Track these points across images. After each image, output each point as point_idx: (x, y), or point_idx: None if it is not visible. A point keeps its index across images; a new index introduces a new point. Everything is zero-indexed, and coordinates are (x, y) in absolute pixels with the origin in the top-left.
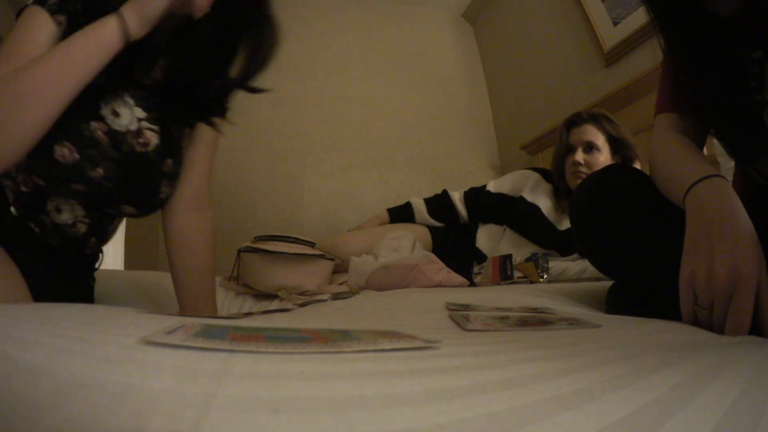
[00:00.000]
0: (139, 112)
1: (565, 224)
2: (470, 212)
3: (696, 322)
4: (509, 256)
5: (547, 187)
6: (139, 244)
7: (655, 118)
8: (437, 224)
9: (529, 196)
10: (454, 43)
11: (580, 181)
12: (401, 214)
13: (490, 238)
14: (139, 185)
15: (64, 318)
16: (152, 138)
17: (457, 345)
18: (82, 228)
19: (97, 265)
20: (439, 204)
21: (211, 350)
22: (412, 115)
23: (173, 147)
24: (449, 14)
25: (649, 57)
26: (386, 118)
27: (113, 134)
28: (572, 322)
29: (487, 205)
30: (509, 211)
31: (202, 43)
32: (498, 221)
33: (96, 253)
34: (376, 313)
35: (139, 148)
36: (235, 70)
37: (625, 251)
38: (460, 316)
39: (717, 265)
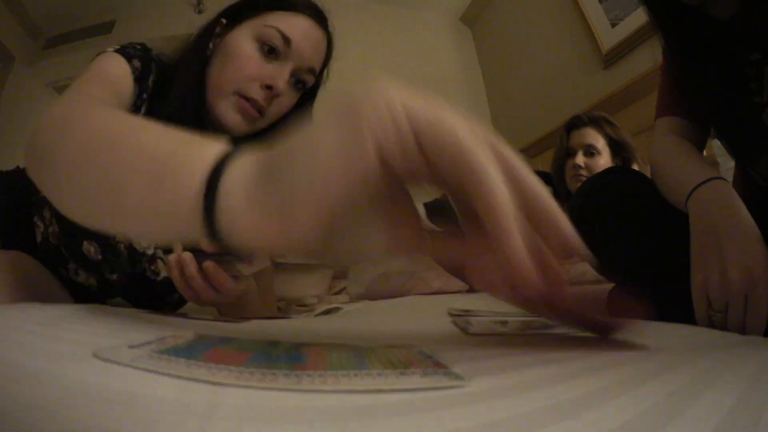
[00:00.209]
0: None
1: None
2: None
3: (711, 325)
4: None
5: (546, 190)
6: None
7: (656, 121)
8: (437, 229)
9: None
10: (452, 46)
11: (580, 184)
12: None
13: None
14: (144, 301)
15: (66, 321)
16: (163, 270)
17: (456, 350)
18: (94, 289)
19: None
20: (439, 208)
21: (162, 374)
22: None
23: None
24: (447, 17)
25: (648, 58)
26: None
27: (132, 251)
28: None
29: None
30: None
31: None
32: None
33: None
34: (379, 318)
35: (149, 274)
36: None
37: (625, 254)
38: (463, 321)
39: (729, 267)
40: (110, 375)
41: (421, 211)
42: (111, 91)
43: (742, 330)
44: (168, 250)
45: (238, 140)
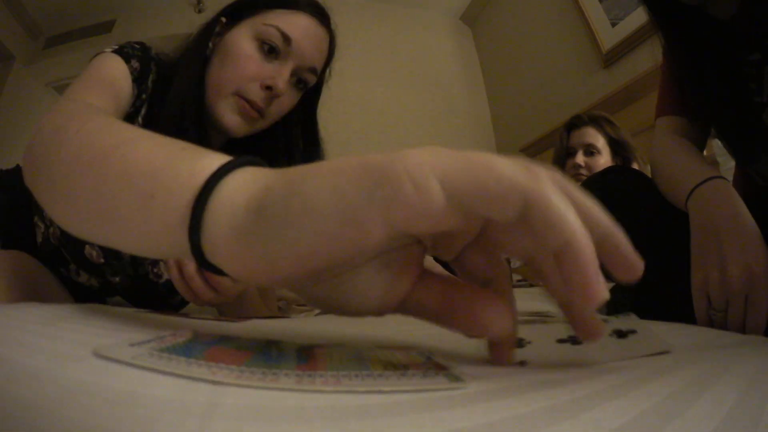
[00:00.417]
0: None
1: None
2: None
3: (711, 324)
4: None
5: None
6: None
7: (656, 120)
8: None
9: None
10: (452, 45)
11: (580, 183)
12: None
13: None
14: (147, 303)
15: (66, 320)
16: (165, 273)
17: (456, 352)
18: (95, 289)
19: None
20: None
21: (162, 373)
22: (411, 118)
23: None
24: (448, 17)
25: (648, 58)
26: (385, 121)
27: (134, 255)
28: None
29: None
30: None
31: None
32: None
33: None
34: (379, 320)
35: (152, 277)
36: None
37: None
38: None
39: (729, 266)
40: (110, 374)
41: None
42: (108, 96)
43: (742, 329)
44: None
45: (239, 141)
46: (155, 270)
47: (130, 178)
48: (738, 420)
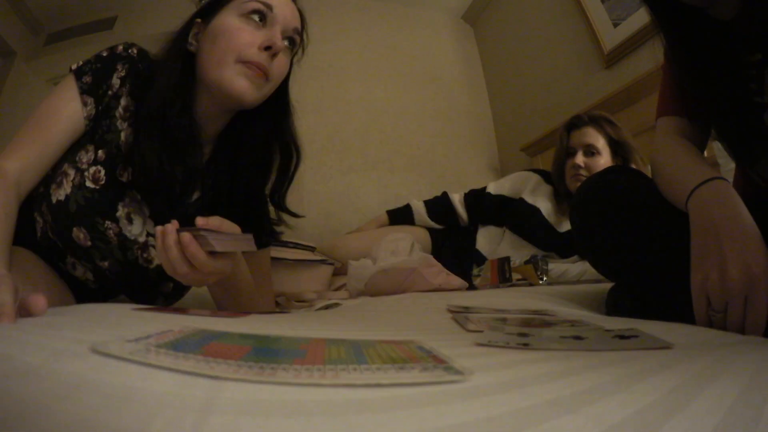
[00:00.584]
0: (151, 227)
1: (565, 226)
2: (470, 214)
3: (710, 325)
4: (507, 259)
5: (547, 188)
6: None
7: (657, 121)
8: (437, 226)
9: (529, 198)
10: (454, 44)
11: (580, 183)
12: (401, 216)
13: (490, 240)
14: (140, 288)
15: (65, 318)
16: (156, 257)
17: (456, 346)
18: (92, 285)
19: None
20: (439, 206)
21: (160, 368)
22: (411, 117)
23: None
24: (449, 16)
25: (650, 58)
26: (386, 120)
27: (123, 238)
28: (574, 324)
29: (487, 207)
30: (509, 213)
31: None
32: (498, 223)
33: None
34: (379, 315)
35: (141, 262)
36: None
37: (625, 253)
38: (462, 317)
39: (729, 267)
40: (108, 370)
41: (421, 209)
42: (41, 132)
43: (742, 330)
44: None
45: (228, 133)
46: (145, 255)
47: None
48: (740, 416)
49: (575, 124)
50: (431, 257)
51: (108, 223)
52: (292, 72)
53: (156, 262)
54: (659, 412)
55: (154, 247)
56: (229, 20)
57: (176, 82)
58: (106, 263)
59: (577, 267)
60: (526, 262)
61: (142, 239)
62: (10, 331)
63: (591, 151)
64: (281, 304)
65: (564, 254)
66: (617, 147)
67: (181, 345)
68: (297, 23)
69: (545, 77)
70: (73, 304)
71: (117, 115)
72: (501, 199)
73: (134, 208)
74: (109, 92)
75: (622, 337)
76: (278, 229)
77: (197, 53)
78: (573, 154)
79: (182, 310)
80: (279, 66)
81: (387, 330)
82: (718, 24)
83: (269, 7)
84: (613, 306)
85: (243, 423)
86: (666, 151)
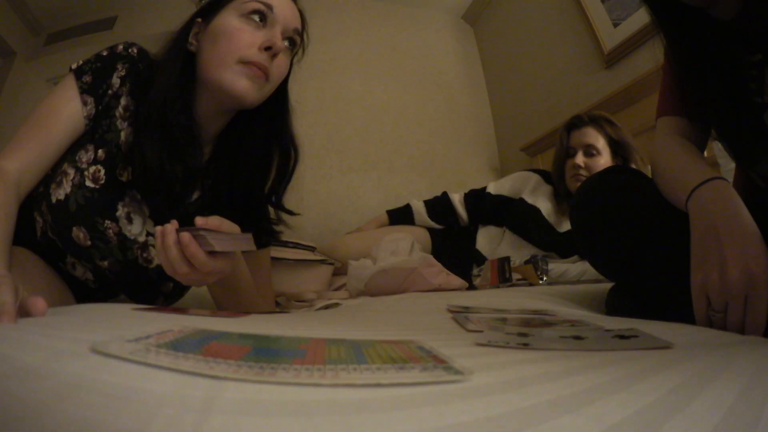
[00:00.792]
0: (151, 226)
1: (565, 226)
2: (470, 214)
3: (710, 325)
4: (507, 259)
5: (547, 188)
6: None
7: (657, 121)
8: (437, 226)
9: (529, 198)
10: (454, 44)
11: (579, 183)
12: (401, 216)
13: (490, 240)
14: (140, 288)
15: (64, 318)
16: (155, 257)
17: (455, 346)
18: (92, 285)
19: None
20: (439, 206)
21: (160, 368)
22: (412, 117)
23: None
24: (449, 16)
25: (650, 58)
26: (386, 120)
27: (122, 238)
28: (574, 324)
29: (487, 207)
30: (509, 213)
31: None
32: (498, 223)
33: None
34: (379, 315)
35: (141, 262)
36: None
37: (625, 253)
38: (462, 317)
39: (729, 267)
40: (108, 370)
41: (421, 209)
42: (40, 131)
43: (742, 330)
44: None
45: (228, 134)
46: (144, 255)
47: None
48: (739, 416)
49: (575, 124)
50: (431, 257)
51: (108, 222)
52: (292, 72)
53: (156, 261)
54: (659, 412)
55: (153, 246)
56: (229, 20)
57: (176, 81)
58: (105, 263)
59: (577, 267)
60: (526, 262)
61: (141, 239)
62: (10, 331)
63: (591, 152)
64: (281, 304)
65: (564, 254)
66: (617, 147)
67: (180, 345)
68: (297, 23)
69: (545, 77)
70: (73, 304)
71: (117, 114)
72: (501, 199)
73: (134, 208)
74: (109, 92)
75: (621, 337)
76: (277, 228)
77: (197, 53)
78: (573, 154)
79: (182, 310)
80: (279, 66)
81: (387, 330)
82: (718, 24)
83: (269, 7)
84: (613, 306)
85: (243, 423)
86: (666, 151)
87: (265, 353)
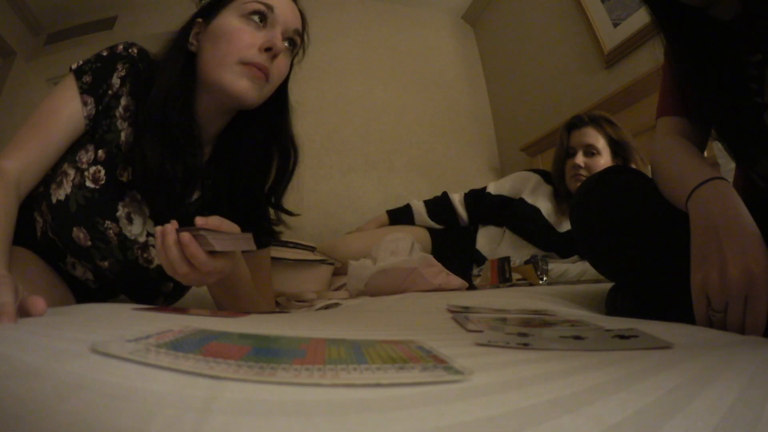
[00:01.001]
0: (151, 227)
1: (565, 226)
2: (470, 214)
3: (710, 325)
4: (507, 259)
5: (547, 188)
6: None
7: (657, 121)
8: (437, 226)
9: (529, 198)
10: (454, 44)
11: (579, 184)
12: (401, 216)
13: (490, 240)
14: (139, 289)
15: (63, 319)
16: (156, 257)
17: (455, 346)
18: (92, 285)
19: None
20: (439, 206)
21: (160, 368)
22: (412, 117)
23: None
24: (449, 16)
25: (650, 59)
26: (386, 120)
27: (123, 238)
28: (574, 324)
29: (487, 207)
30: (509, 213)
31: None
32: (498, 223)
33: None
34: (379, 314)
35: (141, 262)
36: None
37: (624, 253)
38: (462, 317)
39: (729, 267)
40: (108, 370)
41: (421, 209)
42: (40, 132)
43: (742, 330)
44: None
45: (227, 134)
46: (145, 255)
47: None
48: (739, 416)
49: (575, 124)
50: (431, 257)
51: (108, 222)
52: (292, 72)
53: (156, 262)
54: (659, 412)
55: (154, 246)
56: (229, 21)
57: (177, 81)
58: (106, 263)
59: (577, 267)
60: (526, 262)
61: (142, 239)
62: (10, 331)
63: (591, 152)
64: (281, 304)
65: (564, 254)
66: (617, 147)
67: (180, 345)
68: (298, 24)
69: (545, 77)
70: (73, 304)
71: (117, 114)
72: (501, 199)
73: (134, 208)
74: (110, 92)
75: (621, 337)
76: (277, 229)
77: (198, 53)
78: (573, 154)
79: (182, 310)
80: (279, 67)
81: (387, 330)
82: (718, 24)
83: (270, 7)
84: (613, 306)
85: (243, 423)
86: (666, 151)
87: (265, 353)
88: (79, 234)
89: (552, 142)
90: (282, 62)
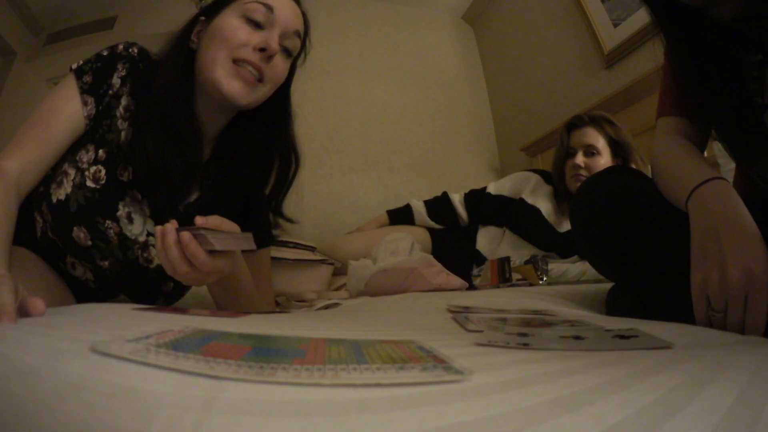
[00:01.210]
0: (151, 226)
1: (565, 226)
2: (470, 214)
3: (710, 325)
4: (507, 259)
5: (547, 189)
6: None
7: (657, 121)
8: (437, 226)
9: (529, 198)
10: (454, 44)
11: (579, 184)
12: (401, 216)
13: (490, 240)
14: (139, 288)
15: (64, 318)
16: (156, 257)
17: (456, 346)
18: (92, 285)
19: None
20: (439, 206)
21: (160, 368)
22: (412, 117)
23: None
24: (449, 16)
25: (650, 59)
26: (386, 120)
27: (123, 238)
28: (574, 324)
29: (487, 207)
30: (509, 213)
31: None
32: (498, 223)
33: None
34: (379, 314)
35: (142, 262)
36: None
37: (624, 253)
38: (463, 317)
39: (729, 267)
40: (108, 369)
41: (421, 209)
42: (40, 132)
43: (742, 330)
44: None
45: (230, 133)
46: (145, 255)
47: None
48: (739, 416)
49: (575, 124)
50: (431, 257)
51: (108, 222)
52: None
53: (156, 261)
54: (659, 412)
55: (154, 246)
56: (228, 20)
57: (178, 78)
58: (106, 263)
59: (577, 267)
60: (526, 262)
61: (142, 239)
62: (10, 331)
63: (591, 152)
64: (281, 304)
65: (564, 254)
66: (617, 147)
67: (180, 345)
68: (298, 25)
69: (545, 77)
70: (73, 304)
71: (117, 114)
72: (501, 199)
73: (135, 208)
74: (110, 92)
75: (621, 337)
76: (275, 232)
77: (197, 51)
78: (573, 154)
79: (182, 310)
80: (275, 68)
81: (387, 330)
82: (718, 24)
83: (270, 8)
84: (613, 306)
85: (243, 423)
86: (666, 152)
87: (265, 353)
88: (80, 233)
89: (552, 142)
90: (279, 64)
